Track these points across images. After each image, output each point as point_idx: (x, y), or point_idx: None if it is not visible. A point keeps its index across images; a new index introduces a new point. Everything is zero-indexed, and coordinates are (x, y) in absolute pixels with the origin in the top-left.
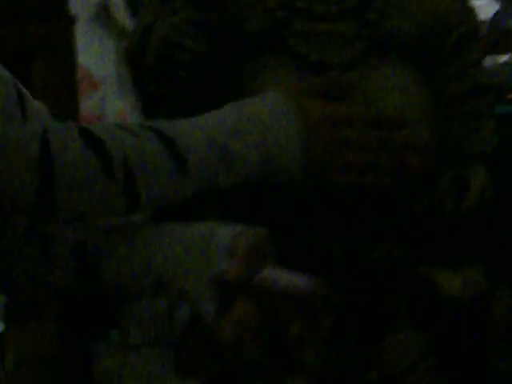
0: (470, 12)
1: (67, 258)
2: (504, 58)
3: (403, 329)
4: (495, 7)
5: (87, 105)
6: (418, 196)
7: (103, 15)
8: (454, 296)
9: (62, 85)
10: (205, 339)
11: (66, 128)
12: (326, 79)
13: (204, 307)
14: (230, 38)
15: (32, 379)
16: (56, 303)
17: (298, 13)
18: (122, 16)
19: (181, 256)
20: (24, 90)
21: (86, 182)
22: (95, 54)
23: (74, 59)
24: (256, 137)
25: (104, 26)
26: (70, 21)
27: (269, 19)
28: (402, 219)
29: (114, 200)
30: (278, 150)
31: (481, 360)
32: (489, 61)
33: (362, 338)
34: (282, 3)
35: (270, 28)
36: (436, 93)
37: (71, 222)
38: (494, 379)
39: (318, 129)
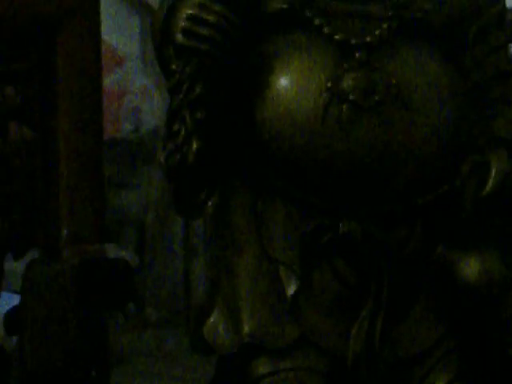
0: None
1: None
2: None
3: (421, 311)
4: None
5: (110, 80)
6: (439, 180)
7: None
8: (471, 281)
9: (86, 59)
10: None
11: None
12: None
13: None
14: (253, 14)
15: (48, 350)
16: (74, 275)
17: None
18: None
19: None
20: None
21: None
22: (120, 30)
23: (99, 32)
24: None
25: (129, 2)
26: None
27: None
28: (422, 202)
29: None
30: None
31: (496, 347)
32: None
33: (380, 320)
34: None
35: (294, 7)
36: (462, 78)
37: None
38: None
39: None
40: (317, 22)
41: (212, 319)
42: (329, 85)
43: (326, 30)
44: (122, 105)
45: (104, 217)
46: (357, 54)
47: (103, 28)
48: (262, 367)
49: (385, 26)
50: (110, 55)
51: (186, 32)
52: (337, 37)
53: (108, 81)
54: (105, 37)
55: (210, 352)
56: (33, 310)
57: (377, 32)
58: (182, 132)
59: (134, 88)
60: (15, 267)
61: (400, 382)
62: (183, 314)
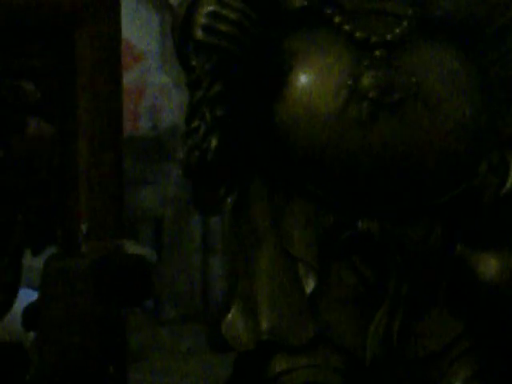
0: None
1: None
2: None
3: (439, 310)
4: None
5: (129, 78)
6: (459, 178)
7: None
8: (490, 279)
9: (105, 55)
10: None
11: None
12: None
13: None
14: (273, 12)
15: (66, 346)
16: (92, 271)
17: None
18: None
19: None
20: None
21: None
22: (139, 27)
23: (119, 29)
24: None
25: None
26: None
27: None
28: (441, 200)
29: None
30: None
31: None
32: None
33: (399, 318)
34: None
35: (314, 4)
36: (482, 76)
37: None
38: None
39: None
40: (337, 19)
41: (230, 316)
42: (349, 82)
43: (345, 27)
44: (141, 102)
45: (122, 213)
46: (377, 52)
47: (122, 25)
48: (280, 364)
49: (405, 23)
50: (128, 52)
51: (206, 28)
52: (357, 35)
53: (127, 78)
54: (123, 34)
55: (228, 349)
56: (51, 306)
57: (397, 30)
58: (202, 129)
59: (153, 85)
60: (33, 263)
61: (417, 380)
62: (200, 311)
